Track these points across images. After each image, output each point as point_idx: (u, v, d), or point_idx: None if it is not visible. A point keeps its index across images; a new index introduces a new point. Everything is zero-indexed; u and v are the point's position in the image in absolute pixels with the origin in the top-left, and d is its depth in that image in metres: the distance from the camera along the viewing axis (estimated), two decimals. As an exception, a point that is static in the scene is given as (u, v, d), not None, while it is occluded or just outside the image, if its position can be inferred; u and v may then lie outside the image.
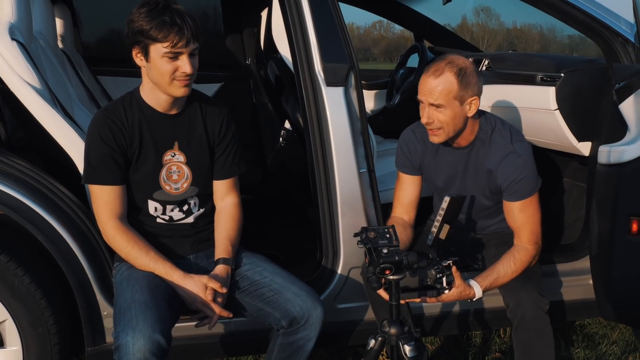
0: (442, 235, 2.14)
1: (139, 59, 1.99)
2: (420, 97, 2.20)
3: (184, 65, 1.96)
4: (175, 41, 1.91)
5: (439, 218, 2.13)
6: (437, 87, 2.14)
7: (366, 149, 2.43)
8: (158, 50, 1.93)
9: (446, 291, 2.01)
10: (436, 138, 2.23)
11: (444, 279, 1.99)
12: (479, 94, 2.20)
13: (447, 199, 2.11)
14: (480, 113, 2.28)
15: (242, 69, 4.37)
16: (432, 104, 2.16)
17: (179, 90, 2.01)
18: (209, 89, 4.05)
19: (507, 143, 2.24)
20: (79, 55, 3.48)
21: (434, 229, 2.14)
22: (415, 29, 4.51)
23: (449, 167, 2.35)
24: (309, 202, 2.59)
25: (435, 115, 2.17)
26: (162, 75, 1.97)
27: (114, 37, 4.38)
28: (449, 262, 1.99)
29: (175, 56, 1.94)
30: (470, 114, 2.20)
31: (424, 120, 2.20)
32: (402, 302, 1.96)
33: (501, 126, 2.29)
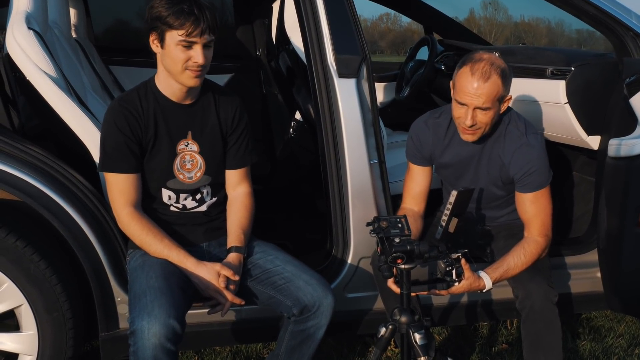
0: (451, 229, 2.15)
1: (155, 45, 2.02)
2: (463, 99, 2.15)
3: (197, 55, 1.98)
4: (190, 30, 1.95)
5: (447, 212, 2.14)
6: (485, 91, 2.12)
7: (377, 141, 2.45)
8: (173, 37, 1.96)
9: (456, 283, 2.03)
10: (472, 137, 2.23)
11: (454, 271, 2.01)
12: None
13: (454, 192, 2.12)
14: None
15: (252, 60, 4.37)
16: (478, 107, 2.14)
17: (190, 81, 2.03)
18: (219, 80, 4.04)
19: (521, 135, 2.26)
20: (91, 45, 3.50)
21: (443, 223, 2.15)
22: (425, 21, 4.50)
23: (463, 157, 2.36)
24: (318, 193, 2.61)
25: (480, 117, 2.16)
26: (175, 63, 1.99)
27: (125, 27, 4.40)
28: (458, 254, 2.01)
29: (189, 45, 1.97)
30: (502, 111, 2.22)
31: (468, 122, 2.16)
32: (412, 294, 1.98)
33: (516, 118, 2.31)
